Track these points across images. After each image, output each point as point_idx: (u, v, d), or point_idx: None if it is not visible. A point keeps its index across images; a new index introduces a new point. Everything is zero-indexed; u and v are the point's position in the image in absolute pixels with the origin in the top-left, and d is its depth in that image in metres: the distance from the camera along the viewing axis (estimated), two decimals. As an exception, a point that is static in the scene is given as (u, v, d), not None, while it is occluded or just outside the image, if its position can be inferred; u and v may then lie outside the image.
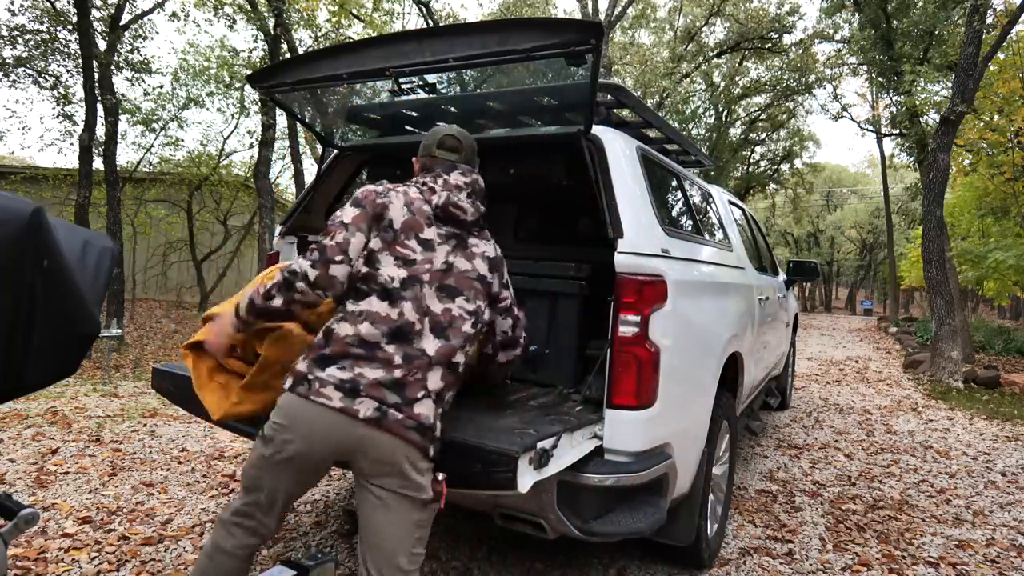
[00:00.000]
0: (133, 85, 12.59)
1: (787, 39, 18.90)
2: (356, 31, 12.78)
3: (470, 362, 1.77)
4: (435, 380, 1.59)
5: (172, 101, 13.85)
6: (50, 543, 2.66)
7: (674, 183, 2.96)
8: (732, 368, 2.96)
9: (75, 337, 1.07)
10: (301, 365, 1.58)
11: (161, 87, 13.67)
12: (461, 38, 1.92)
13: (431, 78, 2.31)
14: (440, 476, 1.60)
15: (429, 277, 1.66)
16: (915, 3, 9.87)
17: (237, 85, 13.11)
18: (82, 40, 9.76)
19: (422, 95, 2.54)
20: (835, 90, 21.56)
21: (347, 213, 1.67)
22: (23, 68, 11.21)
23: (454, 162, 1.83)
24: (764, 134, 23.49)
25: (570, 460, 1.89)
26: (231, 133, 23.45)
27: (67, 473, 3.50)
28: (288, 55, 11.04)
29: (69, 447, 3.95)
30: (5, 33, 10.65)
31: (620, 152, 2.30)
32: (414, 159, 1.90)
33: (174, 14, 12.12)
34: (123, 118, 12.30)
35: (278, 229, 3.09)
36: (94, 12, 10.43)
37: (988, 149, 10.60)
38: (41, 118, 19.09)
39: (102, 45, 10.71)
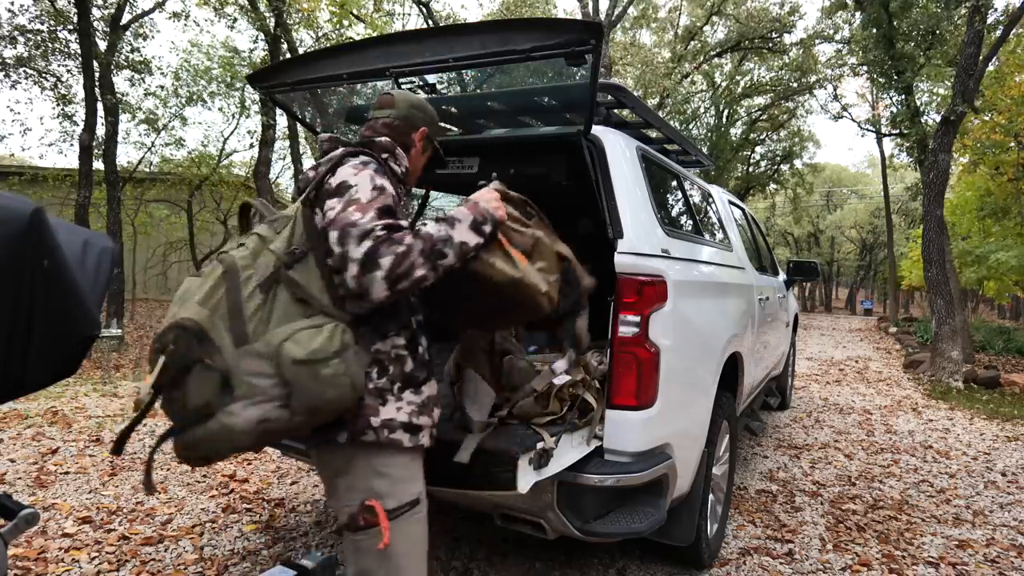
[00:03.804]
0: (133, 85, 12.59)
1: (787, 39, 18.91)
2: (357, 31, 12.77)
3: None
4: None
5: (174, 99, 13.84)
6: (50, 543, 2.66)
7: (674, 183, 2.96)
8: (732, 368, 2.96)
9: (75, 337, 1.06)
10: None
11: (163, 87, 13.68)
12: (461, 38, 1.92)
13: (431, 78, 2.31)
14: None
15: None
16: (916, 2, 9.85)
17: (238, 85, 13.10)
18: (82, 40, 9.76)
19: (422, 95, 2.54)
20: (835, 90, 21.49)
21: None
22: (24, 68, 11.20)
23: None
24: (764, 134, 23.48)
25: (570, 461, 1.90)
26: (231, 133, 23.40)
27: (67, 473, 3.50)
28: (288, 55, 11.03)
29: (69, 447, 3.95)
30: (5, 33, 10.65)
31: (620, 152, 2.30)
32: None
33: (175, 14, 12.11)
34: (124, 117, 12.30)
35: None
36: (94, 12, 10.43)
37: (991, 149, 10.60)
38: (41, 118, 19.09)
39: (102, 45, 10.71)
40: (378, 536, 1.30)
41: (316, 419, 1.26)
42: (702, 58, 19.12)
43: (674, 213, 2.87)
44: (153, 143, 14.65)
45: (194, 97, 13.53)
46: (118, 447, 1.23)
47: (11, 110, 26.05)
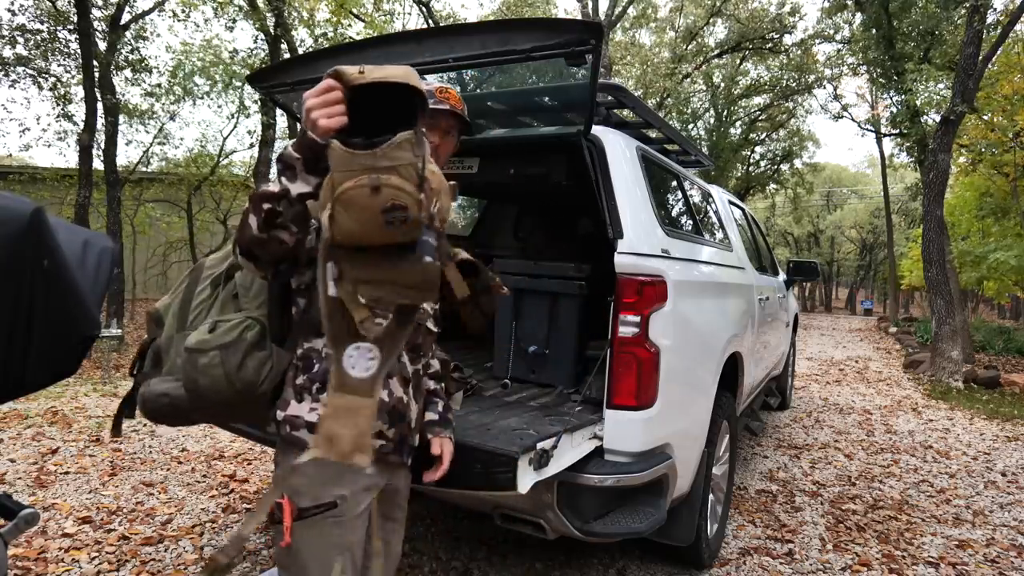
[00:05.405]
0: (133, 85, 12.58)
1: (787, 39, 18.90)
2: (357, 31, 12.77)
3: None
4: None
5: (172, 97, 13.82)
6: (50, 543, 2.66)
7: (674, 183, 2.96)
8: (732, 368, 2.96)
9: (75, 337, 1.07)
10: None
11: (160, 86, 13.65)
12: (461, 38, 1.93)
13: (431, 78, 2.31)
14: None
15: None
16: (916, 3, 9.85)
17: (237, 85, 13.09)
18: (82, 40, 9.75)
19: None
20: (835, 90, 21.46)
21: None
22: (23, 68, 11.19)
23: None
24: (764, 134, 23.45)
25: (570, 461, 1.90)
26: (231, 133, 23.40)
27: (67, 473, 3.50)
28: (288, 55, 11.03)
29: (69, 447, 3.95)
30: (5, 33, 10.64)
31: (620, 152, 2.30)
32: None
33: (174, 14, 12.11)
34: (124, 117, 12.28)
35: None
36: (94, 12, 10.43)
37: (990, 149, 10.59)
38: (38, 118, 19.02)
39: (102, 45, 10.70)
40: (282, 534, 1.28)
41: (206, 403, 1.33)
42: (702, 58, 19.11)
43: (674, 213, 2.87)
44: (153, 143, 14.65)
45: (191, 96, 13.50)
46: (116, 429, 1.49)
47: (6, 110, 26.00)
